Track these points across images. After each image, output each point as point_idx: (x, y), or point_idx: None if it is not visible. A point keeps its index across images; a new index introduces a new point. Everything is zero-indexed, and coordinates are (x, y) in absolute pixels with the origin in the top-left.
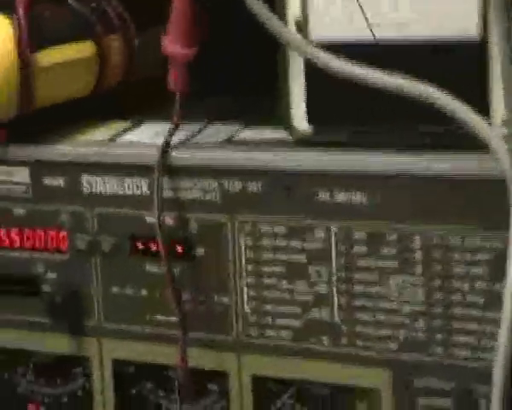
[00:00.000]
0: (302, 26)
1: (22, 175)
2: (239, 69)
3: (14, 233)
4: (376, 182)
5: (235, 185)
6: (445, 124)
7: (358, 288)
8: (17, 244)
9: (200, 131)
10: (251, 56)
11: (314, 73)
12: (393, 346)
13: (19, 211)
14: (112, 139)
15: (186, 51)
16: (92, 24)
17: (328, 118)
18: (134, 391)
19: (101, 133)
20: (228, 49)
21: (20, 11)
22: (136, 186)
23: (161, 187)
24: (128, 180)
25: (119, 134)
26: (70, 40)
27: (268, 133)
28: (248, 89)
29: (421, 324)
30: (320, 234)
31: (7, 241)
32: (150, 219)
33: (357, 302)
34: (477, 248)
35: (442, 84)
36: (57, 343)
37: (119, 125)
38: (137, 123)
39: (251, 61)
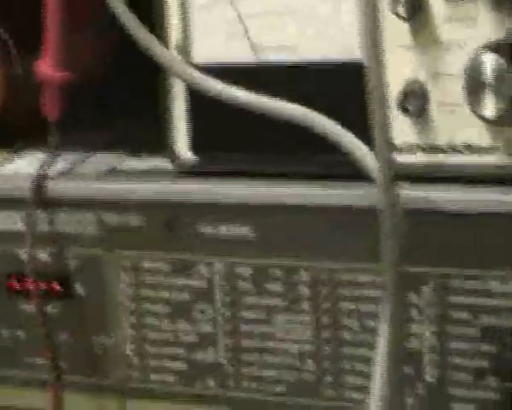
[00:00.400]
0: (183, 49)
1: None
2: (124, 97)
3: None
4: (261, 214)
5: (115, 219)
6: (335, 153)
7: (244, 327)
8: None
9: (82, 160)
10: (137, 84)
11: (196, 99)
12: (282, 389)
13: None
14: None
15: (60, 74)
16: None
17: (211, 146)
18: None
19: None
20: (112, 75)
21: None
22: (10, 221)
23: (34, 221)
24: (1, 214)
25: None
26: None
27: (153, 162)
28: (136, 116)
29: (310, 364)
30: (203, 270)
31: None
32: (24, 255)
33: (244, 342)
34: (366, 284)
35: (327, 108)
36: None
37: None
38: (20, 153)
39: (137, 88)
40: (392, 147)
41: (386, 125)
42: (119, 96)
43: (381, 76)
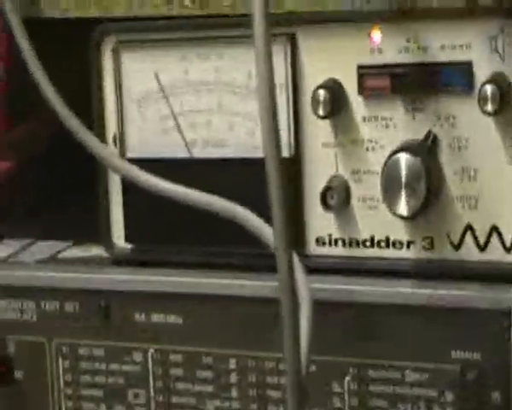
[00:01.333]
0: (119, 142)
1: None
2: (65, 187)
3: None
4: (191, 303)
5: (52, 305)
6: (258, 245)
7: None
8: None
9: (24, 248)
10: (78, 173)
11: (131, 191)
12: None
13: None
14: None
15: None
16: None
17: (145, 236)
18: None
19: None
20: (53, 165)
21: None
22: None
23: None
24: None
25: None
26: None
27: (94, 251)
28: (76, 206)
29: None
30: (137, 357)
31: None
32: None
33: None
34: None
35: (253, 201)
36: None
37: None
38: None
39: (79, 178)
40: (290, 241)
41: (284, 221)
42: (60, 186)
43: (278, 170)
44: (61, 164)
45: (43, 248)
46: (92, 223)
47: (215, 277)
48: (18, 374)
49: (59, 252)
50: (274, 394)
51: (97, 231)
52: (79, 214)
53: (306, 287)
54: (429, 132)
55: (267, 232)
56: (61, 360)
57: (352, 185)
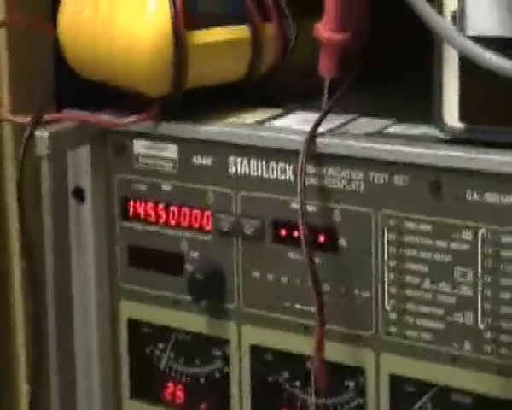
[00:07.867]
0: (458, 20)
1: (171, 152)
2: (393, 63)
3: (160, 209)
4: None
5: (381, 178)
6: None
7: (505, 295)
8: (163, 220)
9: (349, 122)
10: (407, 52)
11: (469, 70)
12: None
13: (165, 187)
14: (260, 123)
15: (337, 37)
16: (249, 9)
17: (481, 117)
18: (271, 379)
19: (250, 118)
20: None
21: None
22: (281, 171)
23: (306, 173)
24: (273, 164)
25: (267, 119)
26: (225, 23)
27: (419, 129)
28: (403, 84)
29: None
30: (467, 235)
31: (153, 216)
32: (294, 205)
33: (504, 310)
34: None
35: None
36: (197, 323)
37: (268, 112)
38: (288, 111)
39: (408, 55)
40: None
41: None
42: (388, 63)
43: None
44: (391, 42)
45: (368, 123)
46: (417, 103)
47: None
48: (341, 242)
49: (384, 128)
50: None
51: (421, 111)
52: (404, 94)
53: None
54: None
55: None
56: (386, 233)
57: None
